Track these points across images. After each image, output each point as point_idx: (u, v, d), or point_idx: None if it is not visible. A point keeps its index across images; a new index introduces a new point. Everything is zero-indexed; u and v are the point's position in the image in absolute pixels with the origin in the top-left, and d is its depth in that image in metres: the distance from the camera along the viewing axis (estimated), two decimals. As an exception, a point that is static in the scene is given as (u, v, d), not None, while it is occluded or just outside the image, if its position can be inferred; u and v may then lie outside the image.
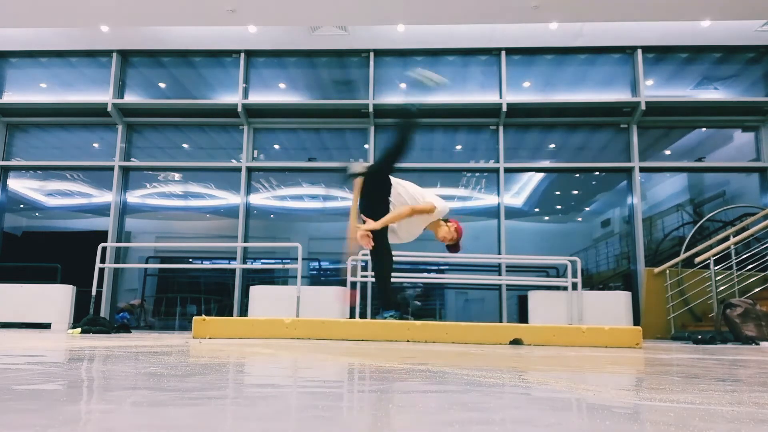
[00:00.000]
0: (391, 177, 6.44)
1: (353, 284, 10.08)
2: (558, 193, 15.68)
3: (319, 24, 11.69)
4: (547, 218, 16.67)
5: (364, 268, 10.62)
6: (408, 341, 5.84)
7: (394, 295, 6.76)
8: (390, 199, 6.36)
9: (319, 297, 9.78)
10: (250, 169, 12.73)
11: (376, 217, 6.20)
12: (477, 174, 13.11)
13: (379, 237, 6.30)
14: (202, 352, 3.67)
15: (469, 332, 5.93)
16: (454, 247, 6.54)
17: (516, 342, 5.75)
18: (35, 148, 13.56)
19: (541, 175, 13.86)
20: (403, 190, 6.38)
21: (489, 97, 12.46)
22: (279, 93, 13.41)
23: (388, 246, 6.42)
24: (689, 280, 10.39)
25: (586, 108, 12.34)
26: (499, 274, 12.03)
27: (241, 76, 12.71)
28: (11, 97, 13.25)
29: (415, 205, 6.25)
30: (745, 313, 8.20)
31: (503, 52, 12.49)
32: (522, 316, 12.05)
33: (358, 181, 6.46)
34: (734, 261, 10.12)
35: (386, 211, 6.29)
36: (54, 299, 10.36)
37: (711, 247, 10.14)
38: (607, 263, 14.58)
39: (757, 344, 7.41)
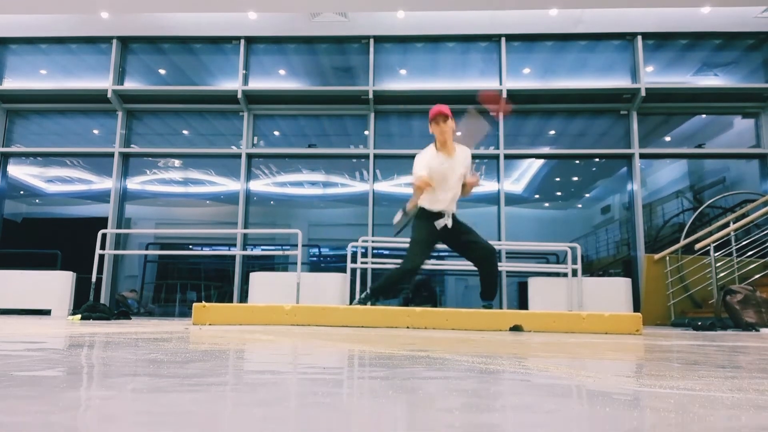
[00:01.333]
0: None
1: (353, 270, 10.10)
2: (558, 179, 15.67)
3: (319, 10, 11.65)
4: (547, 205, 16.67)
5: (364, 254, 10.63)
6: (408, 328, 5.84)
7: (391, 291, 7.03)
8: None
9: (319, 283, 9.79)
10: (250, 156, 12.72)
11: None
12: (477, 160, 13.09)
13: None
14: (202, 339, 3.68)
15: (470, 319, 5.94)
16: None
17: (516, 328, 5.76)
18: (35, 135, 13.55)
19: (541, 161, 13.83)
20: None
21: (489, 84, 12.42)
22: (279, 79, 13.38)
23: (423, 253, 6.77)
24: (689, 266, 10.40)
25: (586, 94, 12.32)
26: (499, 261, 12.03)
27: (241, 62, 12.69)
28: (11, 83, 13.22)
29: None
30: (745, 299, 8.21)
31: (503, 39, 12.46)
32: (522, 302, 12.07)
33: None
34: (734, 247, 10.12)
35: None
36: (54, 286, 10.37)
37: (711, 233, 10.15)
38: (607, 250, 14.60)
39: (757, 330, 7.43)
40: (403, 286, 6.94)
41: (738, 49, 12.64)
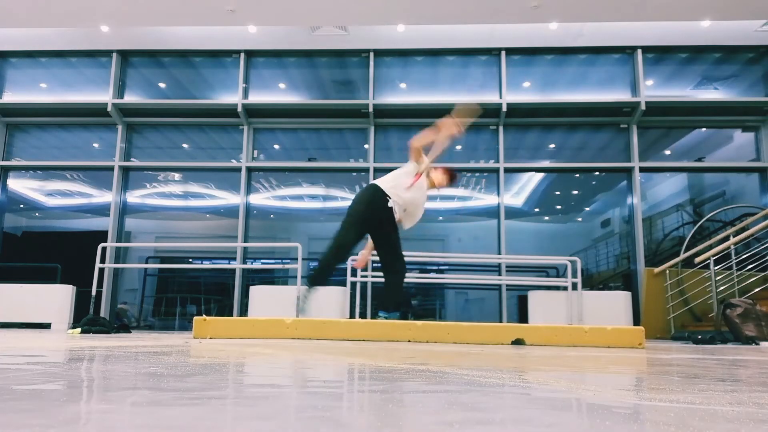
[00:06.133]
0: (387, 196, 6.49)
1: (353, 284, 10.09)
2: (558, 193, 15.66)
3: (319, 24, 11.69)
4: (547, 218, 16.66)
5: (364, 268, 10.61)
6: (409, 341, 5.84)
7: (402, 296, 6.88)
8: (398, 218, 6.61)
9: (319, 297, 9.75)
10: (250, 169, 12.73)
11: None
12: (477, 174, 13.10)
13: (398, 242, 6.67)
14: (202, 352, 3.67)
15: (471, 332, 5.93)
16: (452, 181, 6.99)
17: (518, 342, 5.75)
18: (35, 148, 13.57)
19: (541, 175, 13.84)
20: (398, 199, 6.47)
21: (489, 97, 12.44)
22: (279, 93, 13.41)
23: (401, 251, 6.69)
24: (689, 280, 10.38)
25: (586, 108, 12.34)
26: (499, 274, 12.03)
27: (241, 76, 12.71)
28: (11, 97, 13.25)
29: (417, 171, 6.57)
30: (745, 313, 8.19)
31: (503, 52, 12.49)
32: (522, 316, 12.05)
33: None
34: (734, 261, 10.12)
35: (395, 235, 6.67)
36: (54, 299, 10.36)
37: (711, 247, 10.14)
38: (607, 263, 14.57)
39: (757, 344, 7.41)
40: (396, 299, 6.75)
41: (738, 63, 12.68)
